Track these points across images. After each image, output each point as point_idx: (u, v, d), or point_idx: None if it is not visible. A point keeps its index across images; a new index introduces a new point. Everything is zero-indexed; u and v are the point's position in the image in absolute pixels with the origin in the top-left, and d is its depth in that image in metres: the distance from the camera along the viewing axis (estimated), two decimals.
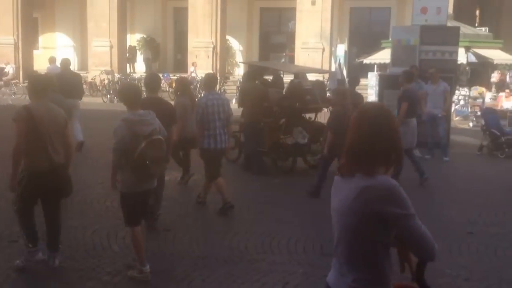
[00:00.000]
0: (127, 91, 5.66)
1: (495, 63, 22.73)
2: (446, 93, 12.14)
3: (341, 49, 16.94)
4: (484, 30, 25.00)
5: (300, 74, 12.44)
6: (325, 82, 16.71)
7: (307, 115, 11.41)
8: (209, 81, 7.98)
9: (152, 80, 7.10)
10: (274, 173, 10.19)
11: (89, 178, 9.09)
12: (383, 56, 22.31)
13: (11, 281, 5.25)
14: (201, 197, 7.98)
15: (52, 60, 20.95)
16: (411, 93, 10.02)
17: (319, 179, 8.48)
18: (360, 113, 2.58)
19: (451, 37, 13.39)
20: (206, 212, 7.77)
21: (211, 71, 22.40)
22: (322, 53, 27.15)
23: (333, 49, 27.37)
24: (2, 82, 25.90)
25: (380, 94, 13.75)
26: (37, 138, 5.21)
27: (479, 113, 17.44)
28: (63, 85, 8.96)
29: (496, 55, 22.63)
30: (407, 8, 28.66)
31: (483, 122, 13.92)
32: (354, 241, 2.53)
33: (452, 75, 13.59)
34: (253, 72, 11.43)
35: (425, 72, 12.26)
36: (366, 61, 23.09)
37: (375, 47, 25.70)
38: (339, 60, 20.58)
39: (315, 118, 11.47)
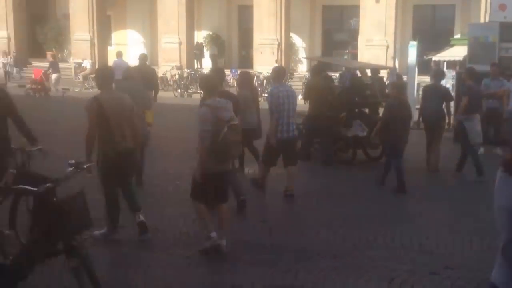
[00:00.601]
0: (207, 81, 6.07)
1: None
2: None
3: (413, 46, 16.82)
4: None
5: (360, 70, 12.59)
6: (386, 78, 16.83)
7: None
8: (278, 73, 8.41)
9: (220, 74, 7.67)
10: (333, 164, 10.53)
11: (177, 168, 9.39)
12: (453, 53, 21.92)
13: (118, 267, 5.49)
14: (288, 190, 8.09)
15: (119, 54, 21.85)
16: (473, 89, 10.02)
17: (398, 174, 8.61)
18: None
19: None
20: (294, 205, 7.93)
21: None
22: (386, 50, 26.96)
23: (397, 46, 27.10)
24: (81, 77, 27.16)
25: (457, 91, 13.52)
26: (106, 126, 5.66)
27: None
28: (141, 78, 9.51)
29: None
30: (473, 5, 28.04)
31: None
32: None
33: None
34: (320, 67, 11.76)
35: (506, 69, 12.01)
36: (435, 58, 22.67)
37: (439, 44, 25.31)
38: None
39: (374, 113, 11.70)
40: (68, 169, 4.17)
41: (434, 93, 10.25)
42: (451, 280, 5.33)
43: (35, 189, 3.87)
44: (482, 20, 23.17)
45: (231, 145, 5.46)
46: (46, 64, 25.14)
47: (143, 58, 12.82)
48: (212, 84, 5.86)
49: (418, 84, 19.06)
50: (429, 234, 6.62)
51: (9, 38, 31.19)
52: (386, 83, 15.85)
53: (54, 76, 23.41)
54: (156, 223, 6.63)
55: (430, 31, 30.16)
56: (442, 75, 11.52)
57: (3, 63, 27.37)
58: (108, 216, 5.98)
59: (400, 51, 28.85)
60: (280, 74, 8.48)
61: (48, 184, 3.89)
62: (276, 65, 25.67)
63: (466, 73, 10.57)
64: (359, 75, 13.37)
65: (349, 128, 10.65)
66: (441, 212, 7.72)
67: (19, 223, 5.38)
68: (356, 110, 11.25)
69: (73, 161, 4.13)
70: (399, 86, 9.45)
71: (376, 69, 13.73)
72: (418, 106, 14.59)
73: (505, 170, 2.52)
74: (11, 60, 28.90)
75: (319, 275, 5.33)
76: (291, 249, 6.00)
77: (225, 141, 5.39)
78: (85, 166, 4.22)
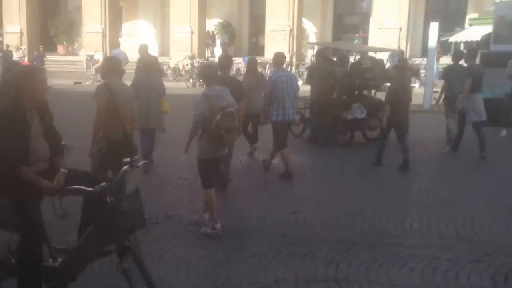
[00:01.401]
0: (206, 70, 6.36)
1: None
2: None
3: (434, 28, 16.60)
4: None
5: (362, 53, 12.94)
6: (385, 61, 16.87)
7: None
8: (278, 59, 8.71)
9: (224, 61, 8.06)
10: (335, 145, 10.93)
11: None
12: (471, 34, 21.66)
13: (159, 263, 5.44)
14: (266, 162, 8.92)
15: (117, 45, 21.60)
16: (475, 69, 10.25)
17: (378, 150, 9.29)
18: None
19: None
20: (320, 193, 7.86)
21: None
22: (399, 33, 26.73)
23: (409, 28, 26.87)
24: (93, 70, 26.95)
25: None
26: (115, 110, 5.96)
27: None
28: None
29: None
30: None
31: None
32: None
33: None
34: (322, 51, 12.06)
35: None
36: (452, 39, 22.39)
37: (452, 25, 25.14)
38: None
39: (374, 95, 12.06)
40: (123, 167, 4.08)
41: (459, 73, 10.35)
42: (494, 267, 5.26)
43: (91, 189, 3.77)
44: None
45: (224, 131, 5.70)
46: (56, 58, 25.05)
47: (145, 48, 12.34)
48: (209, 73, 6.09)
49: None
50: (464, 219, 6.59)
51: (21, 33, 31.29)
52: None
53: None
54: (187, 217, 6.61)
55: (443, 11, 29.82)
56: (475, 55, 11.49)
57: (15, 58, 27.27)
58: None
59: (413, 34, 28.58)
60: (280, 60, 8.71)
61: (103, 184, 3.79)
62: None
63: (468, 54, 10.88)
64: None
65: (348, 111, 10.96)
66: (466, 195, 7.76)
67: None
68: (356, 92, 11.51)
69: (127, 159, 4.04)
70: (402, 69, 9.68)
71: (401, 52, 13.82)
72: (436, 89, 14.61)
73: None
74: (26, 54, 28.68)
75: (360, 267, 5.23)
76: (328, 240, 5.92)
77: (218, 128, 5.65)
78: (140, 164, 4.12)
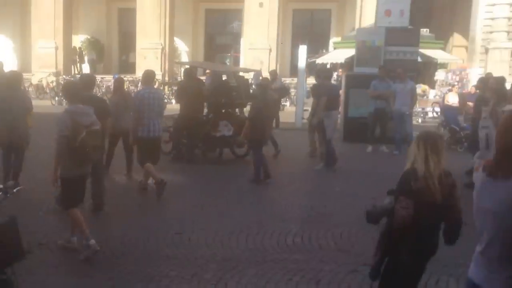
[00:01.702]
0: (67, 87, 6.39)
1: (438, 62, 23.99)
2: (413, 91, 12.74)
3: (303, 50, 17.38)
4: (425, 31, 26.03)
5: (228, 73, 13.22)
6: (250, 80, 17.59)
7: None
8: (147, 77, 8.94)
9: (86, 79, 7.88)
10: (203, 162, 11.12)
11: None
12: (336, 56, 22.98)
13: None
14: (143, 183, 8.77)
15: None
16: (329, 88, 11.04)
17: (255, 167, 9.40)
18: None
19: (412, 38, 14.06)
20: (201, 212, 7.80)
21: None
22: (269, 54, 27.68)
23: (278, 49, 27.93)
24: None
25: (347, 93, 14.16)
26: None
27: (436, 109, 18.56)
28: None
29: (439, 54, 23.82)
30: (347, 10, 29.73)
31: (442, 118, 14.79)
32: None
33: (413, 74, 14.27)
34: (190, 70, 12.18)
35: (391, 71, 12.80)
36: (319, 61, 23.58)
37: (317, 48, 26.63)
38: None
39: (240, 113, 12.29)
40: None
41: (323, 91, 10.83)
42: None
43: None
44: (357, 25, 24.56)
45: (89, 149, 5.63)
46: None
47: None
48: (71, 90, 6.03)
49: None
50: (342, 232, 6.89)
51: None
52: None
53: None
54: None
55: (309, 34, 31.45)
56: (330, 75, 12.24)
57: None
58: None
59: (281, 55, 29.78)
60: (148, 77, 8.90)
61: None
62: None
63: (324, 74, 11.59)
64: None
65: (216, 128, 11.19)
66: (341, 208, 8.09)
67: None
68: (223, 110, 11.72)
69: (1, 186, 3.67)
70: (264, 87, 10.13)
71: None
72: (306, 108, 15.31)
73: (489, 175, 2.59)
74: None
75: (248, 284, 5.24)
76: (214, 259, 5.86)
77: (83, 145, 5.55)
78: (14, 190, 3.76)
